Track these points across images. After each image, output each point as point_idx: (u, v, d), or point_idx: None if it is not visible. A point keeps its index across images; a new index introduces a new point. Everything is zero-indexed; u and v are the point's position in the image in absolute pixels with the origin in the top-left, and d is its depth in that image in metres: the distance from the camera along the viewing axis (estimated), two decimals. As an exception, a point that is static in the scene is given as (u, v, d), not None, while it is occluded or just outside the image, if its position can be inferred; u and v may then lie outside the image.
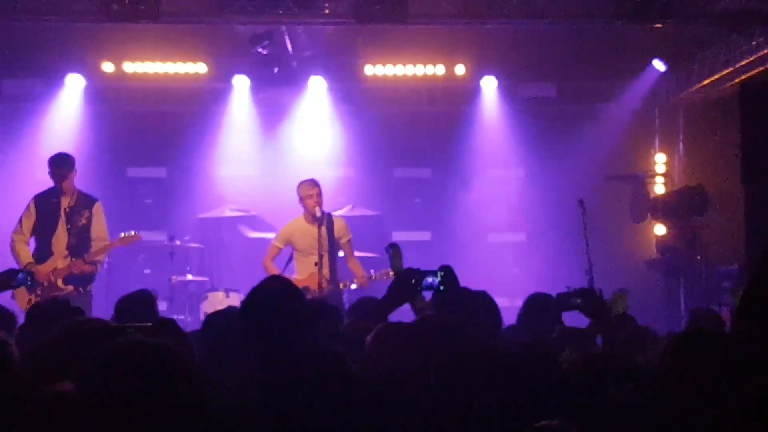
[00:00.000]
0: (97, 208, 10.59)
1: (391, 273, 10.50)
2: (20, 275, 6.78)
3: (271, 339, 4.32)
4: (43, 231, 10.46)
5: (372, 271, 10.87)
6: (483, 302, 5.70)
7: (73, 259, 10.31)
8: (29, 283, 6.94)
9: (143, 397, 3.14)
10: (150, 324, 4.20)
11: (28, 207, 10.55)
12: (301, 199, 10.72)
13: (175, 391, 3.20)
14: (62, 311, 5.66)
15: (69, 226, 10.41)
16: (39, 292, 10.05)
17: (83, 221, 10.46)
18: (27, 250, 10.39)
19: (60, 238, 10.41)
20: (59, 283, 10.26)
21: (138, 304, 6.23)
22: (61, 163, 10.43)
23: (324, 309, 6.12)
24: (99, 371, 3.20)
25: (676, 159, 15.78)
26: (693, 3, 12.26)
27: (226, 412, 3.80)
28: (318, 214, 10.49)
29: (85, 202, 10.57)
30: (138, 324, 4.06)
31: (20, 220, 10.50)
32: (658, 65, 14.75)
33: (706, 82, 14.31)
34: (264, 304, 4.38)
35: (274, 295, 4.42)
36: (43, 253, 10.42)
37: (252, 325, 4.44)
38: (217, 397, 3.82)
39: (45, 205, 10.50)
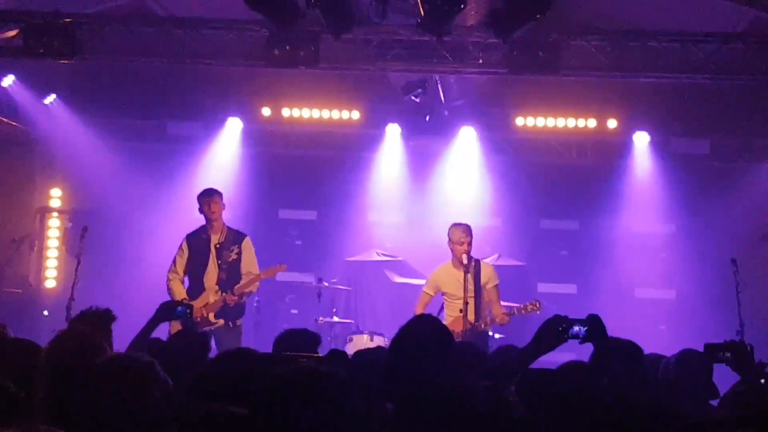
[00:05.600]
0: (246, 244, 10.86)
1: (530, 307, 10.60)
2: (180, 308, 6.99)
3: (417, 379, 4.31)
4: (195, 268, 10.76)
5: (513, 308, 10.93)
6: (630, 353, 5.66)
7: (224, 293, 10.59)
8: (188, 315, 7.18)
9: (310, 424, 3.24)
10: (320, 355, 4.27)
11: (180, 246, 10.89)
12: (451, 243, 10.77)
13: (341, 420, 3.29)
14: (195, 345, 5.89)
15: (219, 262, 10.68)
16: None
17: (233, 256, 10.74)
18: (181, 288, 10.70)
19: (211, 274, 10.69)
20: (211, 317, 10.52)
21: (300, 341, 6.34)
22: (207, 195, 10.80)
23: (470, 350, 6.13)
24: (273, 396, 3.32)
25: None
26: None
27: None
28: (465, 261, 10.54)
29: (235, 237, 10.85)
30: (308, 354, 4.14)
31: (174, 260, 10.84)
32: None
33: None
34: (413, 344, 4.37)
35: (423, 335, 4.42)
36: (195, 289, 10.70)
37: (398, 363, 4.44)
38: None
39: (196, 243, 10.82)
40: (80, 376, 4.07)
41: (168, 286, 10.71)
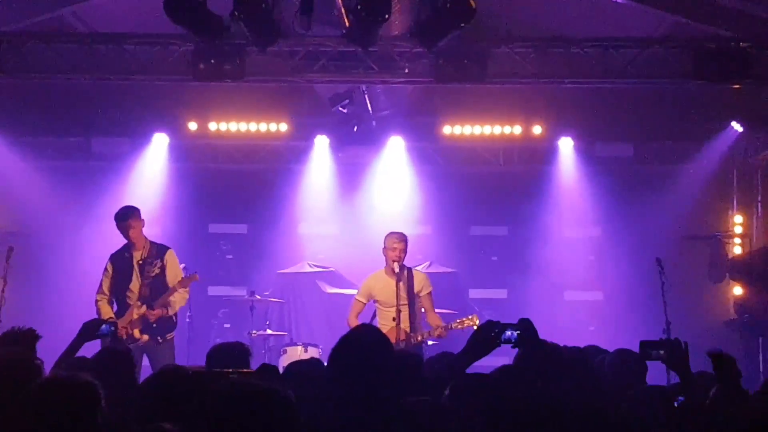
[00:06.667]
0: (169, 256, 10.82)
1: (467, 322, 10.64)
2: (104, 326, 6.97)
3: (359, 391, 4.27)
4: (120, 287, 10.72)
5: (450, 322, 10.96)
6: (571, 357, 5.73)
7: (146, 308, 10.56)
8: (113, 332, 7.15)
9: None
10: (251, 370, 4.25)
11: (105, 267, 10.82)
12: (385, 249, 10.83)
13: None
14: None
15: (143, 278, 10.65)
16: None
17: (156, 271, 10.70)
18: (108, 308, 10.64)
19: (134, 291, 10.67)
20: (136, 333, 10.49)
21: (232, 355, 6.37)
22: (123, 216, 10.71)
23: (406, 359, 6.16)
24: (206, 413, 3.30)
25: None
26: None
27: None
28: (396, 269, 10.60)
29: (157, 252, 10.80)
30: (240, 370, 4.12)
31: (100, 281, 10.79)
32: (737, 126, 14.72)
33: (785, 143, 14.25)
34: (354, 354, 4.35)
35: (364, 345, 4.41)
36: (122, 307, 10.67)
37: (339, 375, 4.41)
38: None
39: (119, 262, 10.77)
40: (16, 401, 3.94)
41: (96, 307, 10.65)
